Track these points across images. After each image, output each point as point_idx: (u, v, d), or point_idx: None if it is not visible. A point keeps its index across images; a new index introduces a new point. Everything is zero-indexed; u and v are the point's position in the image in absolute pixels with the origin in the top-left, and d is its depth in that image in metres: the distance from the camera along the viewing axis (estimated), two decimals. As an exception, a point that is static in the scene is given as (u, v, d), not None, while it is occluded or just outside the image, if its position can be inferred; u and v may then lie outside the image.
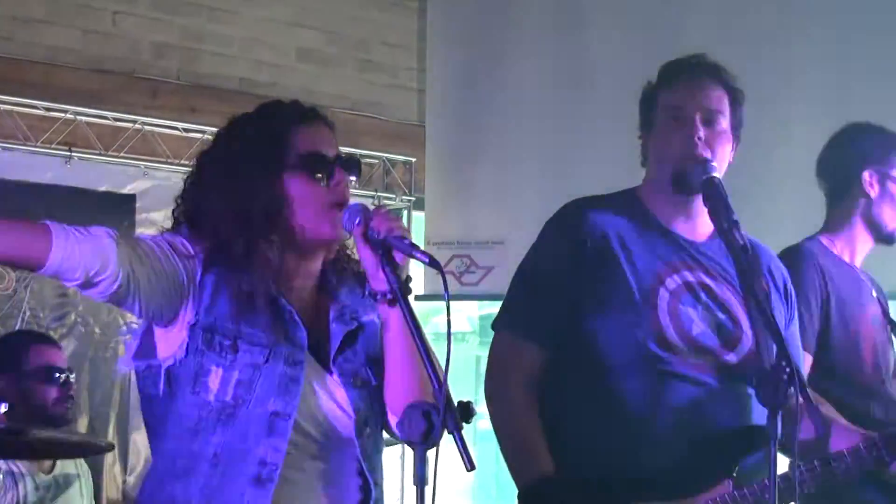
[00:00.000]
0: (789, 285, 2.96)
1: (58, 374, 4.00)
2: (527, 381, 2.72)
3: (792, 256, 3.36)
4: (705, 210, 2.79)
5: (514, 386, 2.73)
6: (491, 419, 2.76)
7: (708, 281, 2.79)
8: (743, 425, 2.73)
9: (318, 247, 2.37)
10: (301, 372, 2.27)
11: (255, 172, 2.30)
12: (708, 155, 2.74)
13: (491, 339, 2.87)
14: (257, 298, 2.27)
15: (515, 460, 2.72)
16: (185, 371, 2.27)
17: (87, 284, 2.18)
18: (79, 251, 2.15)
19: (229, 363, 2.25)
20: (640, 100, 2.90)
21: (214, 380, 2.25)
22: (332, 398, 2.30)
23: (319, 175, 2.32)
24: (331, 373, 2.32)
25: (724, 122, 2.79)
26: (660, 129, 2.82)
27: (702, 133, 2.74)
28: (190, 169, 2.44)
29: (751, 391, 2.75)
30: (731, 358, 2.74)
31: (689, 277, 2.78)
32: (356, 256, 2.38)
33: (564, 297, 2.73)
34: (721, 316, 2.77)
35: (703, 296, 2.76)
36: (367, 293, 2.33)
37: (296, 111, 2.40)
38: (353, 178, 2.37)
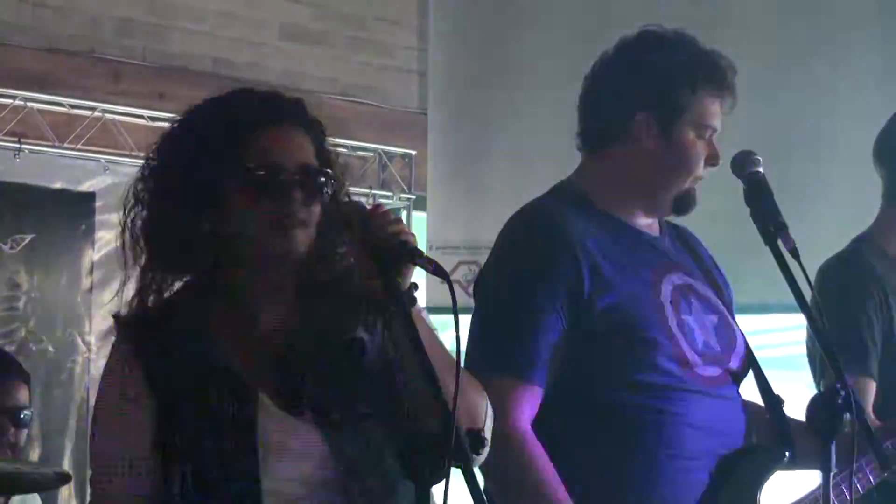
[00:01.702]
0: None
1: (19, 415, 4.00)
2: (531, 431, 2.65)
3: (842, 270, 3.38)
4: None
5: (525, 438, 2.64)
6: (499, 478, 2.65)
7: (690, 280, 2.82)
8: (749, 440, 2.76)
9: (269, 265, 2.37)
10: (254, 437, 2.28)
11: (207, 183, 2.31)
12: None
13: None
14: (195, 367, 2.32)
15: None
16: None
17: None
18: None
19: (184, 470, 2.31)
20: (667, 88, 2.77)
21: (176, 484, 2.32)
22: (306, 452, 2.30)
23: (266, 192, 2.31)
24: (302, 414, 2.32)
25: None
26: (687, 140, 2.77)
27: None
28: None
29: (742, 395, 2.80)
30: (734, 361, 2.78)
31: (676, 280, 2.80)
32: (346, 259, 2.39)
33: (560, 329, 2.68)
34: (713, 317, 2.80)
35: (692, 299, 2.79)
36: (363, 305, 2.32)
37: (256, 109, 2.36)
38: (320, 194, 2.35)
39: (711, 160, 2.78)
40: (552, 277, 2.69)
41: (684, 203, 2.80)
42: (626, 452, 2.68)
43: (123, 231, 2.44)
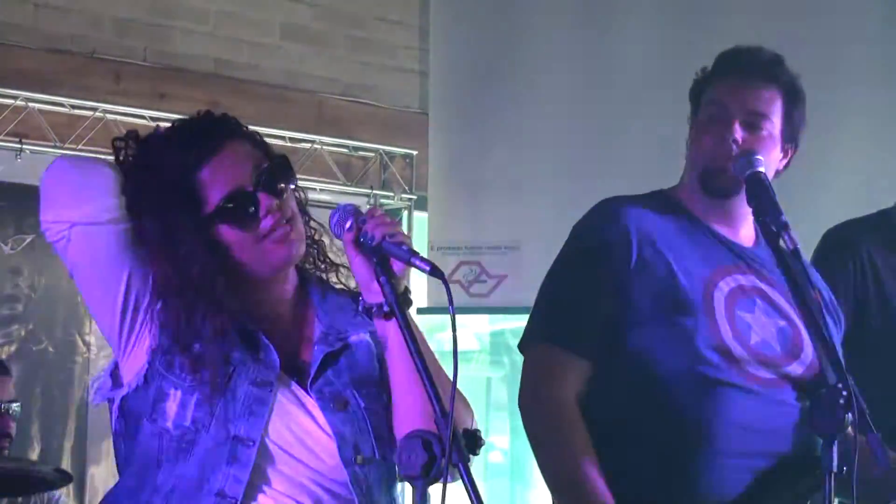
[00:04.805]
0: (834, 300, 2.99)
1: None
2: (573, 400, 2.74)
3: (826, 239, 3.37)
4: (747, 215, 2.85)
5: (564, 408, 2.73)
6: (535, 445, 2.77)
7: (762, 285, 2.83)
8: (811, 449, 2.73)
9: (272, 276, 2.41)
10: (269, 394, 2.29)
11: (181, 227, 2.31)
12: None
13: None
14: (222, 327, 2.31)
15: (571, 499, 2.74)
16: (143, 400, 2.31)
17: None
18: None
19: (188, 384, 2.28)
20: (691, 87, 2.95)
21: (172, 404, 2.28)
22: (311, 423, 2.32)
23: (245, 214, 2.33)
24: (310, 396, 2.34)
25: (772, 127, 2.83)
26: (698, 126, 2.88)
27: (739, 136, 2.79)
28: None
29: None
30: (796, 368, 2.77)
31: (743, 281, 2.82)
32: (339, 262, 2.44)
33: (608, 304, 2.76)
34: (780, 322, 2.80)
35: (758, 300, 2.80)
36: (360, 308, 2.34)
37: (195, 144, 2.37)
38: (288, 185, 2.37)
39: (719, 139, 2.80)
40: (601, 251, 2.79)
41: (707, 181, 2.83)
42: (663, 445, 2.71)
43: None
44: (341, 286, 2.51)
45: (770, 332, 2.78)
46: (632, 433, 2.74)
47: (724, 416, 2.69)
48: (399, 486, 5.59)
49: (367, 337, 2.43)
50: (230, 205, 2.32)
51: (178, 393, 2.28)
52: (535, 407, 2.78)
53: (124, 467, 2.38)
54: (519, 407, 2.82)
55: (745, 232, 2.90)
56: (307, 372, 2.36)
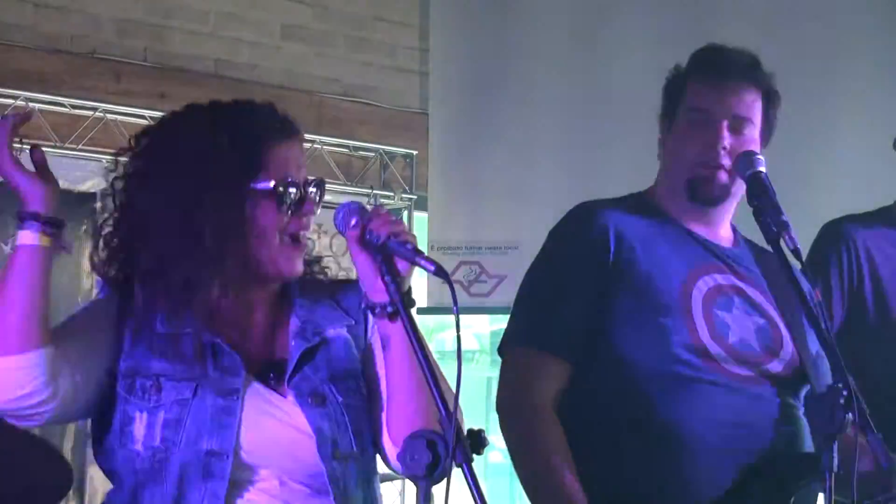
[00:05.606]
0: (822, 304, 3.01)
1: None
2: (550, 404, 2.74)
3: (822, 232, 3.38)
4: (726, 217, 2.89)
5: (540, 412, 2.73)
6: (512, 449, 2.77)
7: (740, 284, 2.84)
8: (793, 445, 2.75)
9: (269, 282, 2.41)
10: (236, 402, 2.28)
11: (219, 191, 2.30)
12: (726, 162, 2.80)
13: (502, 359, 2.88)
14: (183, 337, 2.30)
15: (545, 501, 2.73)
16: (110, 424, 2.31)
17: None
18: None
19: (153, 405, 2.27)
20: (666, 84, 2.95)
21: (139, 427, 2.27)
22: (287, 422, 2.31)
23: (287, 204, 2.33)
24: (285, 395, 2.34)
25: (754, 130, 2.85)
26: (681, 128, 2.88)
27: (727, 142, 2.80)
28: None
29: (798, 404, 2.79)
30: (776, 366, 2.78)
31: (720, 280, 2.83)
32: (323, 262, 2.47)
33: (587, 305, 2.77)
34: (759, 320, 2.81)
35: (736, 299, 2.81)
36: (363, 305, 2.35)
37: (272, 122, 2.40)
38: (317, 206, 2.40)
39: (707, 146, 2.81)
40: (579, 254, 2.80)
41: (696, 189, 2.84)
42: (644, 444, 2.71)
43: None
44: (320, 277, 2.51)
45: (749, 331, 2.79)
46: (612, 433, 2.74)
47: (704, 414, 2.69)
48: (400, 485, 5.60)
49: (343, 331, 2.42)
50: (281, 187, 2.33)
51: (144, 415, 2.27)
52: (512, 411, 2.79)
53: (111, 480, 2.38)
54: (497, 411, 2.82)
55: (724, 233, 2.92)
56: (284, 368, 2.36)
